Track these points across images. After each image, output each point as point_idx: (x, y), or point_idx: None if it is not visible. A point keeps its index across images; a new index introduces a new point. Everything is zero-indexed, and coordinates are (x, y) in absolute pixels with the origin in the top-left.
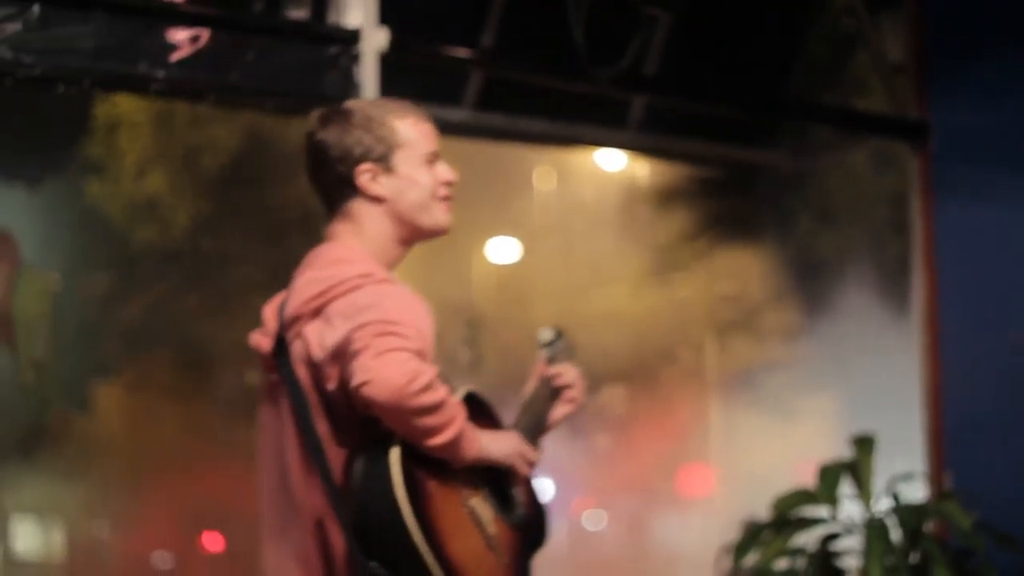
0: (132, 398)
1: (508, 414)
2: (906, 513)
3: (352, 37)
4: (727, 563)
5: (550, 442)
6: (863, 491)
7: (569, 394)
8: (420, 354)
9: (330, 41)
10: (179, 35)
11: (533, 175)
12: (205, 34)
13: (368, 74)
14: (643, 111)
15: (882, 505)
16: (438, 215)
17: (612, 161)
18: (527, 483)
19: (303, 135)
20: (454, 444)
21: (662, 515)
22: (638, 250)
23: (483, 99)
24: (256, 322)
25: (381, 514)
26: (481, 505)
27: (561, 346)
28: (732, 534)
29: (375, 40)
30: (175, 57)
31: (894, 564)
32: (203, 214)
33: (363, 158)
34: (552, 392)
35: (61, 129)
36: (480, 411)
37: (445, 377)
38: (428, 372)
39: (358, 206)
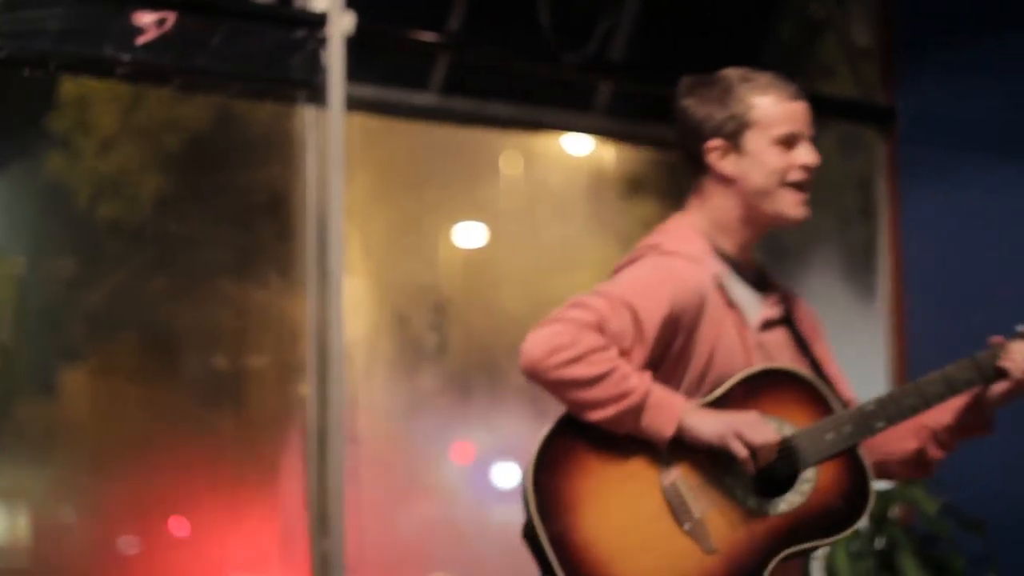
0: (98, 383)
1: (482, 397)
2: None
3: (319, 20)
4: None
5: (511, 422)
6: None
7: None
8: (596, 326)
9: (297, 24)
10: (145, 18)
11: (500, 160)
12: (171, 17)
13: (335, 58)
14: (610, 96)
15: None
16: (782, 203)
17: (579, 146)
18: (850, 465)
19: (271, 117)
20: (623, 420)
21: None
22: (605, 235)
23: (450, 83)
24: (222, 305)
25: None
26: (694, 486)
27: None
28: None
29: (342, 24)
30: (141, 40)
31: (859, 549)
32: (169, 194)
33: (713, 134)
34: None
35: (25, 111)
36: (786, 390)
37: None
38: (582, 345)
39: (707, 181)
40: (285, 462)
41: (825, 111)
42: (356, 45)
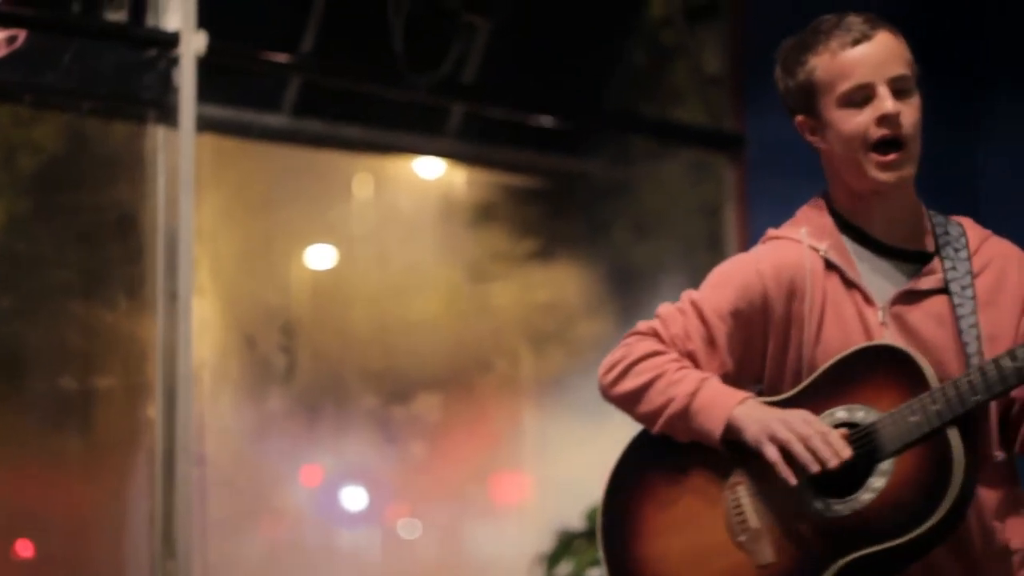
0: None
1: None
2: None
3: (171, 40)
4: (540, 572)
5: (360, 445)
6: None
7: None
8: (653, 332)
9: (148, 44)
10: None
11: (352, 182)
12: (22, 35)
13: (186, 78)
14: (461, 119)
15: None
16: (869, 170)
17: (430, 169)
18: (935, 452)
19: (122, 137)
20: (675, 427)
21: (476, 523)
22: (455, 258)
23: (302, 105)
24: (69, 325)
25: None
26: (755, 493)
27: None
28: (546, 543)
29: (193, 44)
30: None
31: None
32: (17, 214)
33: (795, 110)
34: None
35: None
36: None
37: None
38: (631, 356)
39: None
40: (132, 483)
41: (675, 137)
42: (208, 65)
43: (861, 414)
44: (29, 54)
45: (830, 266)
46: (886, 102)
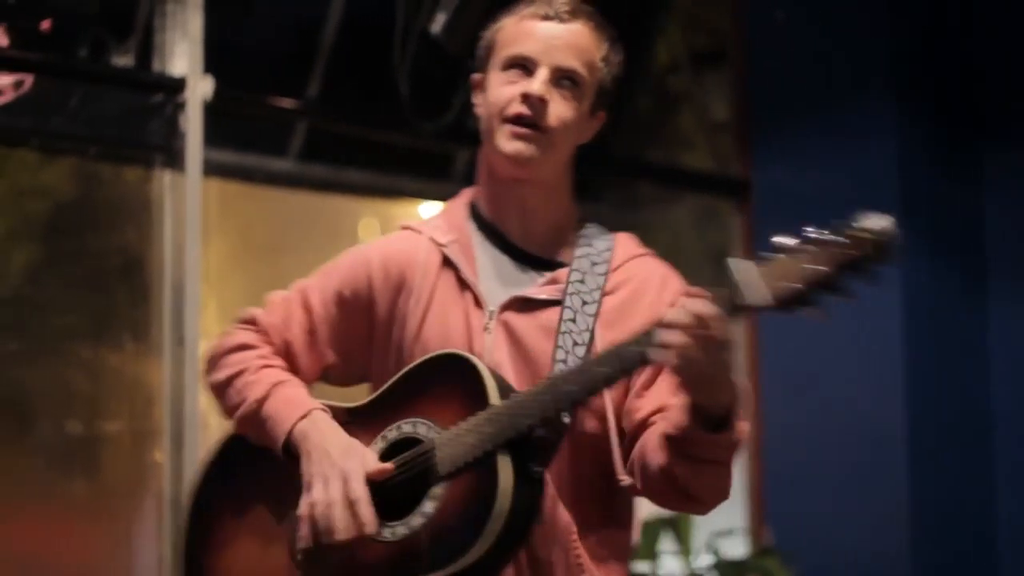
0: None
1: None
2: (727, 569)
3: (177, 85)
4: None
5: None
6: (683, 546)
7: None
8: (252, 320)
9: (155, 89)
10: (2, 80)
11: (358, 227)
12: (29, 79)
13: (193, 123)
14: (468, 165)
15: (702, 561)
16: (498, 139)
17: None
18: (485, 477)
19: (129, 182)
20: (248, 430)
21: None
22: None
23: (308, 150)
24: (76, 369)
25: None
26: None
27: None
28: None
29: (200, 89)
30: None
31: None
32: (27, 260)
33: (477, 68)
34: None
35: None
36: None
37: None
38: (223, 346)
39: None
40: (139, 527)
41: (681, 183)
42: (214, 110)
43: (423, 429)
44: (36, 99)
45: (447, 263)
46: (536, 83)
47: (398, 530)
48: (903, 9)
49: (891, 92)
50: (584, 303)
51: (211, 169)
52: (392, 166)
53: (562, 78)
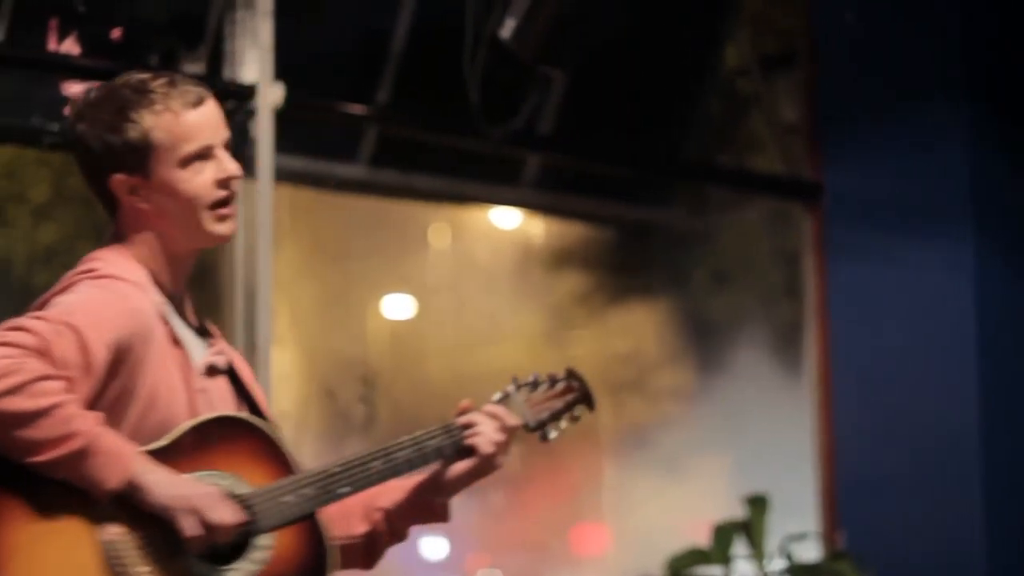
0: None
1: None
2: (799, 573)
3: (247, 92)
4: None
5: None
6: (756, 550)
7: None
8: (39, 351)
9: (225, 96)
10: (73, 88)
11: (428, 232)
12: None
13: (263, 130)
14: (538, 169)
15: (775, 565)
16: (208, 226)
17: (507, 219)
18: (309, 534)
19: None
20: (62, 465)
21: (556, 573)
22: (532, 308)
23: (378, 155)
24: None
25: None
26: (137, 547)
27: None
28: None
29: (270, 96)
30: (70, 110)
31: None
32: None
33: (117, 167)
34: (455, 442)
35: None
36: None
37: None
38: (24, 372)
39: (126, 213)
40: None
41: (752, 186)
42: (284, 117)
43: (228, 483)
44: None
45: (163, 319)
46: (229, 164)
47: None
48: (975, 9)
49: (963, 92)
50: (233, 368)
51: (282, 176)
52: (462, 171)
53: (226, 146)
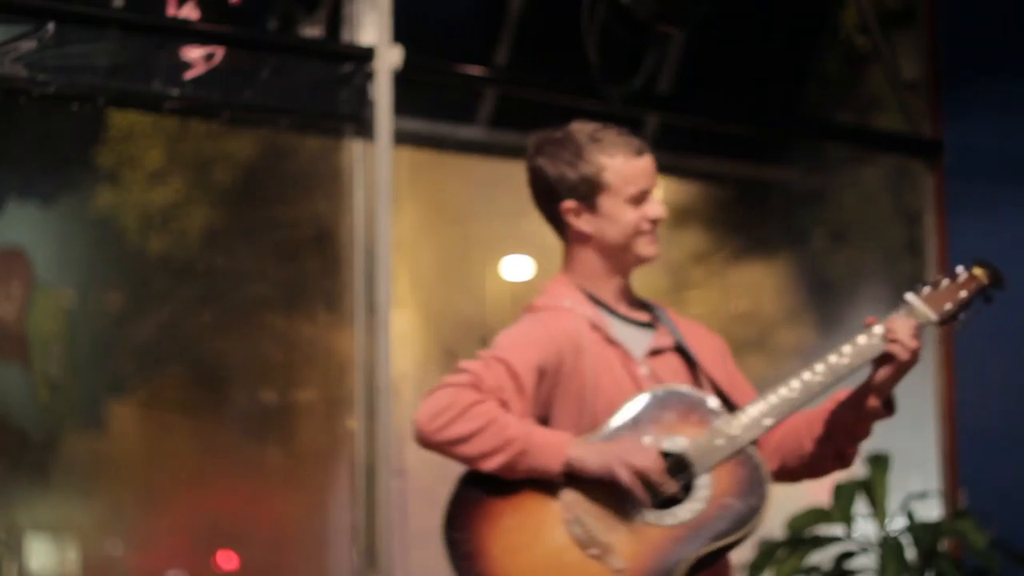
0: (146, 416)
1: None
2: (921, 531)
3: (366, 55)
4: None
5: None
6: (878, 509)
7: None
8: (472, 385)
9: (344, 59)
10: (193, 53)
11: None
12: (220, 52)
13: (382, 92)
14: (656, 129)
15: (897, 524)
16: (638, 250)
17: None
18: (744, 465)
19: (318, 151)
20: (513, 466)
21: None
22: (651, 267)
23: (497, 117)
24: (270, 339)
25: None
26: (595, 514)
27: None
28: (747, 552)
29: (389, 58)
30: (189, 75)
31: None
32: (216, 228)
33: (568, 194)
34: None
35: (74, 145)
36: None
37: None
38: (459, 404)
39: (570, 237)
40: (333, 495)
41: (871, 144)
42: (403, 79)
43: (669, 442)
44: (226, 71)
45: (594, 328)
46: (658, 208)
47: (683, 515)
48: None
49: None
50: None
51: (401, 138)
52: None
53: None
